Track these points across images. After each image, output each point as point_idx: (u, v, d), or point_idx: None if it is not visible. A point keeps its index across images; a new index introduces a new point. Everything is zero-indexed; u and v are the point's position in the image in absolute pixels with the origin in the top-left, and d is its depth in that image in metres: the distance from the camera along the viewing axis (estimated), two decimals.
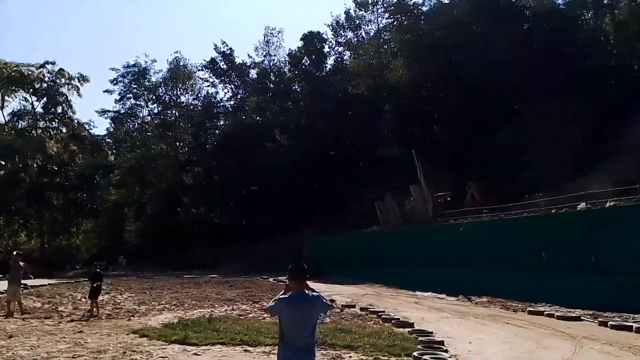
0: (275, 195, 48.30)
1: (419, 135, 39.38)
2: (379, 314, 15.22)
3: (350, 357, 9.26)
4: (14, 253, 17.83)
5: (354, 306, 17.50)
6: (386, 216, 32.31)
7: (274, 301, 4.66)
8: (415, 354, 9.15)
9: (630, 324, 12.86)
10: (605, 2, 38.62)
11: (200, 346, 10.25)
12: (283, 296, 4.63)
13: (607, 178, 24.33)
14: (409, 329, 12.32)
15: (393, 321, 13.58)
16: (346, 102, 48.18)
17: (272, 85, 61.76)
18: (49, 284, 28.45)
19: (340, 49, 59.00)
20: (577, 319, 14.59)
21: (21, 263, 17.01)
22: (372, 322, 14.08)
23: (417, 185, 29.42)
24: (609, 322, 13.21)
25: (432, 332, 11.73)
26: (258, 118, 60.71)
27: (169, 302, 18.87)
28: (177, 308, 17.27)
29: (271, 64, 62.91)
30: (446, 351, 9.63)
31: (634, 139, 27.88)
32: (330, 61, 57.96)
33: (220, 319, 13.66)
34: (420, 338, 10.86)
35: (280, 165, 48.73)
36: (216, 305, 18.00)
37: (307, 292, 4.59)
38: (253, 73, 63.66)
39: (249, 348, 10.09)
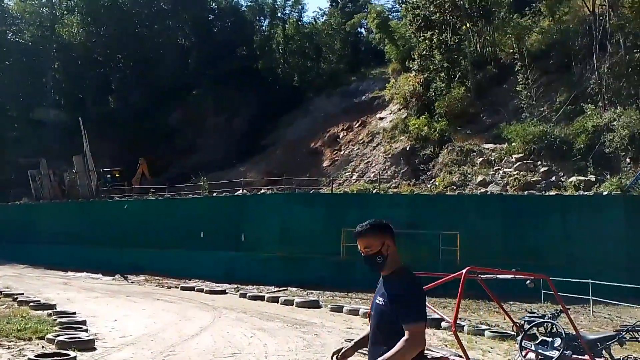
0: None
1: (90, 103, 36.14)
2: (16, 296, 13.41)
3: None
4: None
5: None
6: (40, 187, 28.54)
7: None
8: (49, 335, 8.35)
9: (264, 294, 14.98)
10: (279, 14, 43.85)
11: None
12: None
13: (262, 168, 27.77)
14: (50, 311, 11.26)
15: (31, 304, 12.17)
16: (5, 48, 40.25)
17: None
18: None
19: None
20: (223, 292, 16.11)
21: None
22: (5, 306, 12.24)
23: (81, 156, 27.00)
24: (248, 294, 15.07)
25: (75, 313, 10.98)
26: None
27: None
28: None
29: None
30: (86, 330, 9.11)
31: (285, 137, 32.60)
32: None
33: None
34: (60, 319, 10.00)
35: None
36: None
37: None
38: None
39: None
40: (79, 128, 26.83)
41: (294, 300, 13.60)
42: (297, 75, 38.95)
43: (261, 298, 14.51)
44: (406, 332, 2.35)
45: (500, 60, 25.68)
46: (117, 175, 29.21)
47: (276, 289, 16.34)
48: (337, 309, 12.44)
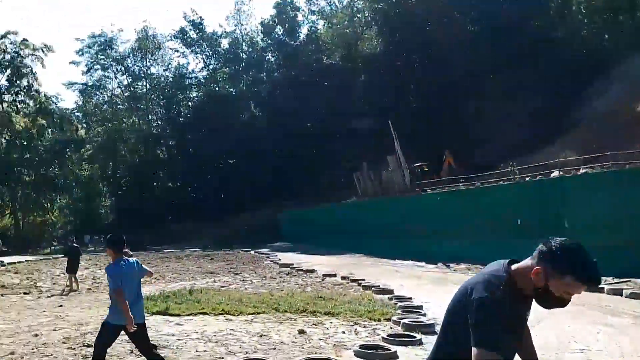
0: (250, 168, 48.07)
1: (394, 106, 39.44)
2: (359, 282, 15.39)
3: (332, 322, 9.45)
4: None
5: (334, 275, 17.70)
6: (364, 187, 32.60)
7: (112, 277, 5.26)
8: (394, 318, 9.41)
9: (602, 286, 13.36)
10: None
11: (182, 316, 10.26)
12: (112, 265, 5.32)
13: (578, 145, 24.95)
14: (389, 296, 12.55)
15: (373, 288, 13.77)
16: (320, 72, 47.72)
17: (244, 55, 60.70)
18: (26, 261, 28.01)
19: (314, 17, 57.95)
20: None
21: None
22: (353, 290, 14.29)
23: (393, 155, 29.66)
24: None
25: (411, 298, 12.00)
26: (231, 89, 59.80)
27: (148, 276, 18.85)
28: (158, 281, 17.24)
29: (243, 34, 61.71)
30: (424, 315, 9.91)
31: (598, 108, 28.50)
32: (303, 30, 57.01)
33: (202, 291, 13.70)
34: (399, 303, 11.13)
35: (255, 137, 48.36)
36: (197, 278, 18.04)
37: (126, 258, 5.47)
38: (224, 43, 62.41)
39: (231, 317, 10.16)
40: (388, 131, 29.52)
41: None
42: (606, 33, 33.72)
43: (600, 290, 13.05)
44: None
45: None
46: (425, 169, 30.92)
47: (615, 280, 14.44)
48: None
